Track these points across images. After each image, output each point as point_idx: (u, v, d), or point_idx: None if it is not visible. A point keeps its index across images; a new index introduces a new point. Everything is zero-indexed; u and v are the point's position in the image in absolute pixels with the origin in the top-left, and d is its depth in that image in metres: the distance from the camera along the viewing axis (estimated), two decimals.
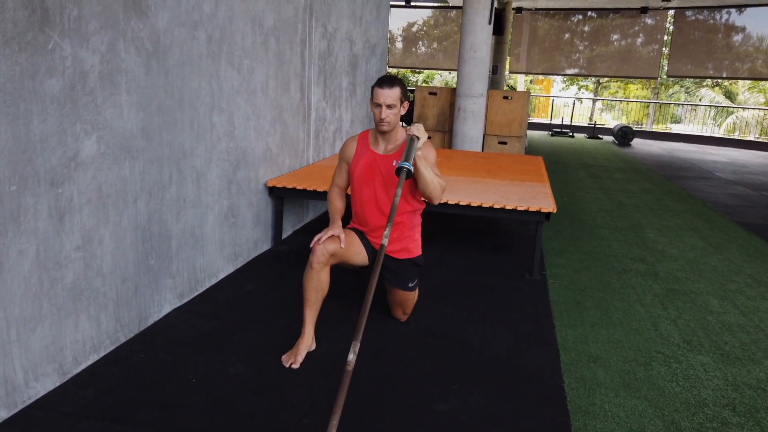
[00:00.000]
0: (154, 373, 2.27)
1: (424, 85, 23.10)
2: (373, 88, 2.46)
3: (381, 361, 2.45)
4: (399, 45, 18.93)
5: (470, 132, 6.65)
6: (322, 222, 4.62)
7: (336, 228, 2.48)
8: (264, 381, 2.24)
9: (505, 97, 7.17)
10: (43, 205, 1.99)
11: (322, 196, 3.58)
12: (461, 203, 3.48)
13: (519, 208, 3.42)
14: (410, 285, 2.68)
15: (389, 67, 19.68)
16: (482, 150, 7.11)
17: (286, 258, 3.72)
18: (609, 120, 22.35)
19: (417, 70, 22.88)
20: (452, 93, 7.11)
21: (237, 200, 3.38)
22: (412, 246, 2.65)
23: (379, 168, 2.54)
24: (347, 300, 3.02)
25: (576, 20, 17.01)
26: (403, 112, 2.51)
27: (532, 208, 3.40)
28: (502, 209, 3.44)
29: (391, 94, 2.42)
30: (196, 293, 3.04)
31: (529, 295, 3.28)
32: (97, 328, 2.33)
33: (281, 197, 3.85)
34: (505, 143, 7.21)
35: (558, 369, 2.45)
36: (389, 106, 2.44)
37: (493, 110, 7.17)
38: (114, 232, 2.36)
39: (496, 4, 14.12)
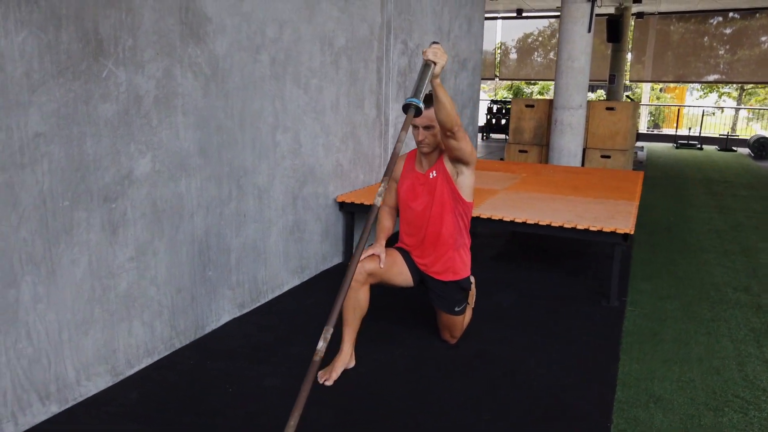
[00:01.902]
0: (199, 380, 2.38)
1: (509, 96, 22.38)
2: None
3: (419, 382, 2.38)
4: (513, 56, 18.57)
5: (568, 145, 6.33)
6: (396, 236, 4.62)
7: (377, 247, 2.46)
8: (294, 396, 2.26)
9: (609, 108, 6.75)
10: (96, 219, 2.17)
11: None
12: (528, 222, 3.31)
13: (592, 228, 3.19)
14: (456, 309, 2.59)
15: (500, 79, 19.36)
16: (582, 165, 6.74)
17: None
18: (757, 130, 20.26)
19: (532, 82, 22.27)
20: (550, 105, 6.83)
21: (303, 215, 3.47)
22: (458, 267, 2.56)
23: (422, 185, 2.49)
24: (394, 318, 2.98)
25: (715, 22, 15.65)
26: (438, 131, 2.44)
27: (607, 229, 3.15)
28: (573, 229, 3.23)
29: (429, 115, 2.36)
30: (258, 304, 3.16)
31: (600, 323, 3.04)
32: (151, 334, 2.49)
33: (352, 212, 3.90)
34: (608, 157, 6.78)
35: (609, 407, 2.24)
36: (426, 127, 2.39)
37: (595, 122, 6.78)
38: (169, 245, 2.52)
39: (612, 10, 13.37)
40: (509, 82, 22.97)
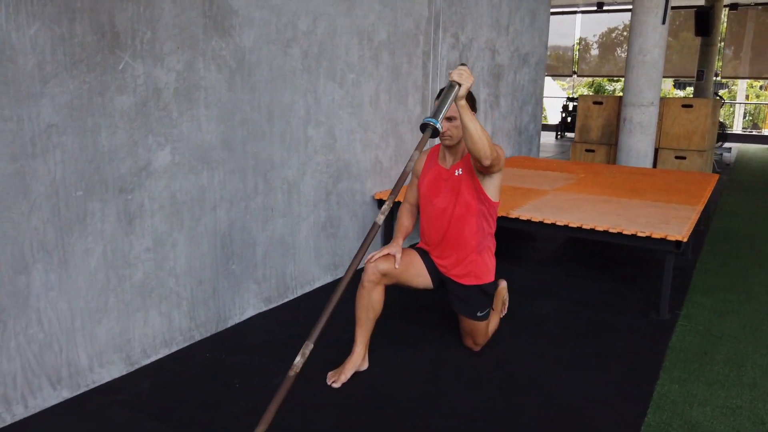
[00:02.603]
0: (211, 373, 2.37)
1: (588, 93, 21.30)
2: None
3: (433, 390, 2.27)
4: (594, 52, 17.79)
5: (637, 145, 5.94)
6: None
7: (393, 246, 2.37)
8: (300, 397, 2.21)
9: (686, 106, 6.27)
10: (111, 210, 2.20)
11: None
12: (571, 225, 3.10)
13: (640, 234, 2.93)
14: (479, 314, 2.45)
15: (578, 76, 18.59)
16: (654, 166, 6.31)
17: None
18: None
19: (615, 79, 21.24)
20: (619, 102, 6.44)
21: (337, 211, 3.42)
22: (480, 271, 2.41)
23: (445, 182, 2.37)
24: (416, 319, 2.86)
25: None
26: None
27: (657, 235, 2.89)
28: (619, 234, 2.99)
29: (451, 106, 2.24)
30: (285, 300, 3.14)
31: (644, 337, 2.79)
32: (169, 325, 2.51)
33: (391, 210, 3.80)
34: (683, 158, 6.31)
35: (635, 431, 2.03)
36: (449, 119, 2.26)
37: (668, 121, 6.32)
38: (189, 237, 2.53)
39: (702, 2, 12.48)
40: (590, 79, 22.01)
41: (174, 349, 2.55)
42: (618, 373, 2.43)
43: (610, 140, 6.66)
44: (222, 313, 2.76)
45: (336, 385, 2.27)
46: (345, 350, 2.41)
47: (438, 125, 1.89)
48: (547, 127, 14.85)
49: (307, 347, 1.56)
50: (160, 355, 2.49)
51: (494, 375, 2.40)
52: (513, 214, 3.26)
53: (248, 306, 2.90)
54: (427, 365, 2.48)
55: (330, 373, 2.32)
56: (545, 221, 3.16)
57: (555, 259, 4.04)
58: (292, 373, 1.53)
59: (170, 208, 2.43)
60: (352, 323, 2.39)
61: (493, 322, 2.65)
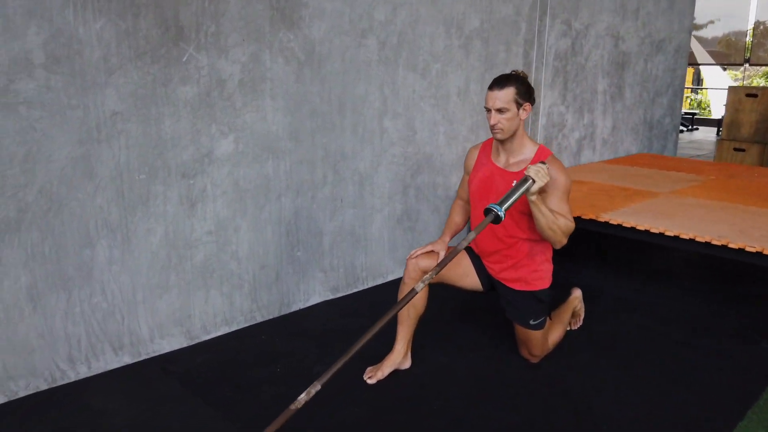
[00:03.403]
0: (260, 355, 2.46)
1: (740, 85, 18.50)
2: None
3: (472, 398, 2.14)
4: None
5: None
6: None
7: (437, 243, 2.27)
8: (335, 389, 2.20)
9: None
10: (173, 193, 2.36)
11: None
12: (667, 233, 2.74)
13: (749, 249, 2.52)
14: (532, 322, 2.26)
15: (750, 65, 16.43)
16: None
17: None
18: None
19: None
20: None
21: (416, 205, 3.35)
22: (532, 278, 2.22)
23: (496, 183, 2.21)
24: (472, 323, 2.71)
25: None
26: (523, 116, 2.13)
27: None
28: (724, 247, 2.59)
29: (501, 96, 2.08)
30: (354, 290, 3.15)
31: (741, 367, 2.39)
32: (230, 305, 2.64)
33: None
34: None
35: None
36: (500, 110, 2.10)
37: None
38: (252, 223, 2.63)
39: None
40: (767, 69, 19.36)
41: (234, 328, 2.67)
42: (695, 406, 2.11)
43: (765, 138, 5.80)
44: (285, 298, 2.85)
45: (371, 381, 2.23)
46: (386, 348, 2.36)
47: (501, 214, 1.92)
48: (707, 122, 13.35)
49: (314, 387, 1.56)
50: (220, 333, 2.62)
51: (544, 391, 2.21)
52: (603, 218, 2.97)
53: (313, 293, 2.96)
54: (473, 371, 2.35)
55: (368, 369, 2.29)
56: (638, 227, 2.83)
57: (653, 271, 3.60)
58: (293, 407, 1.53)
59: (233, 194, 2.54)
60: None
61: (555, 333, 2.44)
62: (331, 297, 3.05)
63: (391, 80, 3.05)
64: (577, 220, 3.06)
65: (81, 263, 2.16)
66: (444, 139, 3.42)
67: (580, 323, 2.71)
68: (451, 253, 1.89)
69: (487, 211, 1.94)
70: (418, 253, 2.24)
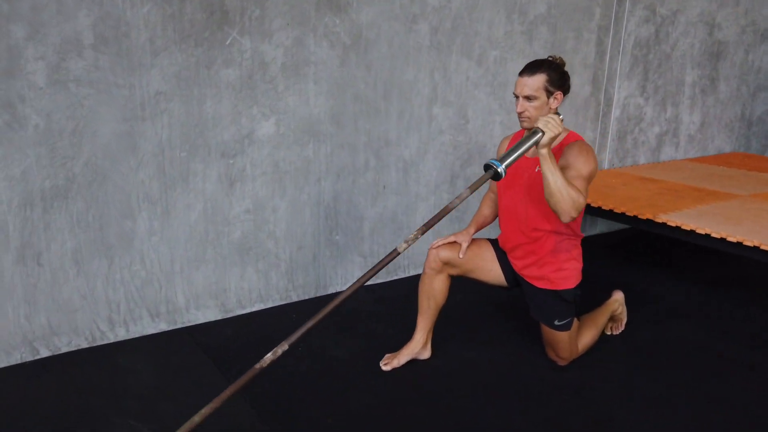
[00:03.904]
0: (287, 334, 2.50)
1: None
2: None
3: (488, 395, 2.08)
4: None
5: None
6: (594, 240, 4.02)
7: (462, 234, 2.21)
8: (344, 374, 2.22)
9: None
10: (212, 171, 2.46)
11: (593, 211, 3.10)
12: (729, 239, 2.51)
13: (763, 247, 2.29)
14: (557, 323, 2.15)
15: None
16: None
17: None
18: None
19: None
20: None
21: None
22: (556, 276, 2.11)
23: (521, 174, 2.12)
24: (503, 319, 2.62)
25: None
26: (554, 104, 2.02)
27: None
28: (739, 244, 2.38)
29: (530, 83, 1.98)
30: (394, 277, 3.15)
31: None
32: (266, 282, 2.72)
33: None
34: None
35: None
36: (528, 98, 2.00)
37: None
38: (291, 204, 2.69)
39: None
40: None
41: (270, 305, 2.76)
42: (723, 430, 1.93)
43: None
44: (322, 280, 2.89)
45: (385, 368, 2.23)
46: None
47: (501, 169, 1.78)
48: None
49: (281, 347, 1.56)
50: (255, 309, 2.72)
51: (566, 396, 2.10)
52: (661, 219, 2.76)
53: (351, 277, 2.99)
54: (495, 368, 2.28)
55: (387, 356, 2.29)
56: (697, 231, 2.61)
57: (718, 278, 3.27)
58: (258, 366, 1.55)
59: (272, 175, 2.61)
60: (440, 317, 2.30)
61: (587, 337, 2.31)
62: (371, 283, 3.05)
63: (442, 67, 2.99)
64: (634, 220, 2.87)
65: (122, 233, 2.32)
66: (500, 129, 3.31)
67: (621, 328, 2.55)
68: (441, 212, 1.77)
69: (487, 167, 1.80)
70: (440, 243, 2.20)
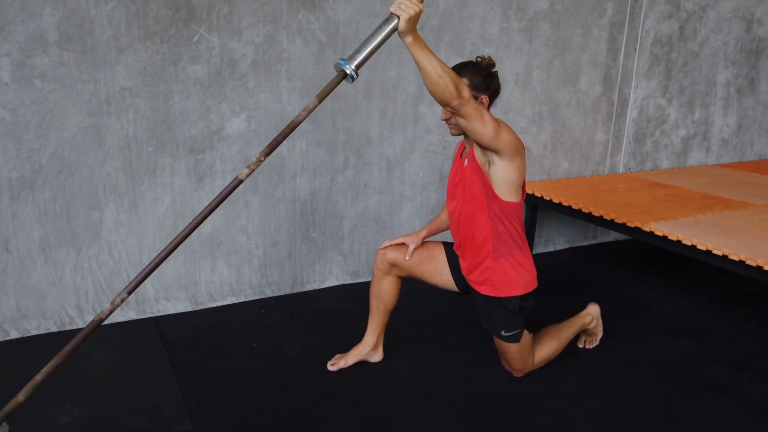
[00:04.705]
0: (250, 328, 2.54)
1: None
2: None
3: (436, 411, 2.01)
4: None
5: None
6: (603, 248, 3.82)
7: (411, 236, 2.15)
8: (289, 372, 2.21)
9: None
10: (180, 166, 2.51)
11: (592, 219, 2.89)
12: (714, 251, 2.31)
13: (749, 262, 2.08)
14: (504, 333, 2.05)
15: None
16: None
17: None
18: None
19: None
20: None
21: None
22: (499, 281, 2.01)
23: (456, 176, 2.03)
24: (465, 327, 2.51)
25: None
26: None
27: None
28: (741, 263, 2.17)
29: None
30: None
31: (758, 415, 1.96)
32: (238, 277, 2.75)
33: (535, 205, 3.38)
34: None
35: None
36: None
37: None
38: (264, 200, 2.71)
39: None
40: None
41: (242, 299, 2.79)
42: None
43: None
44: (298, 277, 2.90)
45: (331, 368, 2.20)
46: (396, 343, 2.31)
47: (349, 70, 1.51)
48: None
49: (120, 296, 1.55)
50: (226, 302, 2.75)
51: (520, 410, 1.99)
52: (649, 227, 2.58)
53: (330, 276, 2.97)
54: (447, 375, 2.20)
55: (336, 356, 2.26)
56: (683, 241, 2.42)
57: (722, 295, 3.02)
58: (96, 317, 1.55)
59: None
60: (407, 319, 2.25)
61: (546, 349, 2.19)
62: (351, 281, 3.04)
63: None
64: (623, 228, 2.70)
65: (89, 223, 2.40)
66: None
67: (596, 342, 2.41)
68: (287, 127, 1.58)
69: (336, 68, 1.55)
70: (388, 244, 2.15)
